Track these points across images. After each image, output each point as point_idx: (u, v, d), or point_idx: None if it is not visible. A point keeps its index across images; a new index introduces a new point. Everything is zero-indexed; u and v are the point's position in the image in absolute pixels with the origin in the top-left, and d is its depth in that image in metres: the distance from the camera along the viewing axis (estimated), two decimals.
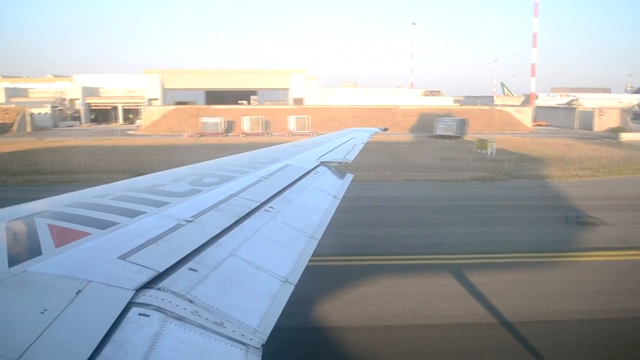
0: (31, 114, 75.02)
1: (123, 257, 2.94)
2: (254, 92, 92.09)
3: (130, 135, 66.57)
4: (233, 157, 7.54)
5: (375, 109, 78.10)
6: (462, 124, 62.24)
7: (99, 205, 3.99)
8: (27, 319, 2.18)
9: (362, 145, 10.37)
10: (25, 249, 2.95)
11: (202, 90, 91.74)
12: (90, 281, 2.56)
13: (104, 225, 3.46)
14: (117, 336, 2.16)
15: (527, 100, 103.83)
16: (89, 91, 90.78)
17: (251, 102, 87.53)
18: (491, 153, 44.96)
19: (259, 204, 4.72)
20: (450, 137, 59.82)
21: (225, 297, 2.85)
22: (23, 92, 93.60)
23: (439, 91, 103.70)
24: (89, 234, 3.26)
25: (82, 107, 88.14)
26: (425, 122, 71.16)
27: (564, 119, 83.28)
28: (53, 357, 1.96)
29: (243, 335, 2.52)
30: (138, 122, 79.99)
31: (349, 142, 10.28)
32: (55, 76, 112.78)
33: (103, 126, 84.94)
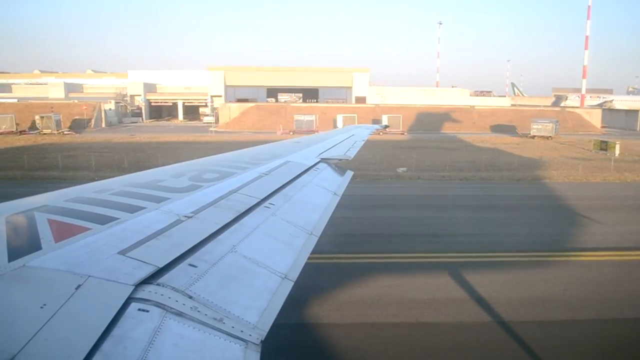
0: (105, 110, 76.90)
1: (123, 252, 2.94)
2: (314, 90, 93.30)
3: (218, 132, 66.48)
4: (233, 153, 7.54)
5: (451, 108, 79.18)
6: (557, 125, 62.49)
7: (99, 201, 3.99)
8: (27, 313, 2.18)
9: (363, 142, 10.36)
10: (25, 244, 2.95)
11: (263, 88, 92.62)
12: (90, 276, 2.57)
13: (104, 220, 3.46)
14: (116, 331, 2.17)
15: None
16: (147, 87, 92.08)
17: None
18: (617, 154, 42.84)
19: (259, 200, 4.72)
20: (545, 137, 59.47)
21: (224, 293, 2.85)
22: (79, 88, 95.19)
23: (489, 91, 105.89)
24: (89, 229, 3.26)
25: (143, 104, 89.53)
26: (500, 122, 72.87)
27: (624, 120, 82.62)
28: (52, 352, 1.96)
29: (242, 331, 2.53)
30: (206, 118, 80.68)
31: (349, 139, 10.28)
32: (94, 72, 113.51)
33: (164, 122, 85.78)
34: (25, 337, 1.99)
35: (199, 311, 2.54)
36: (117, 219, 3.53)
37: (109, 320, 2.20)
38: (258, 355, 2.38)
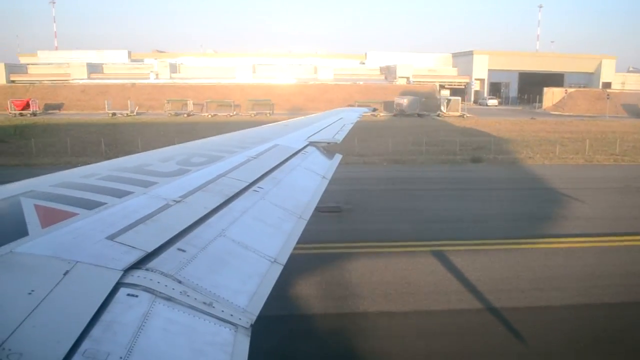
0: None
1: (111, 237, 2.93)
2: (560, 75, 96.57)
3: (555, 115, 68.76)
4: (222, 137, 7.50)
5: None
6: None
7: (86, 185, 3.94)
8: (15, 300, 2.17)
9: (351, 125, 10.35)
10: (11, 230, 2.91)
11: (515, 72, 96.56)
12: (78, 262, 2.55)
13: (92, 205, 3.43)
14: (105, 317, 2.17)
15: None
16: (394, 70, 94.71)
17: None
18: None
19: (248, 184, 4.71)
20: None
21: (214, 277, 2.86)
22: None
23: None
24: (76, 214, 3.24)
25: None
26: None
27: None
28: (41, 338, 1.96)
29: (232, 315, 2.54)
30: (490, 102, 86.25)
31: (337, 122, 10.25)
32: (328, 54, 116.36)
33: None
34: (14, 323, 1.98)
35: (188, 295, 2.55)
36: (104, 203, 3.50)
37: (98, 306, 2.20)
38: (248, 339, 2.40)
